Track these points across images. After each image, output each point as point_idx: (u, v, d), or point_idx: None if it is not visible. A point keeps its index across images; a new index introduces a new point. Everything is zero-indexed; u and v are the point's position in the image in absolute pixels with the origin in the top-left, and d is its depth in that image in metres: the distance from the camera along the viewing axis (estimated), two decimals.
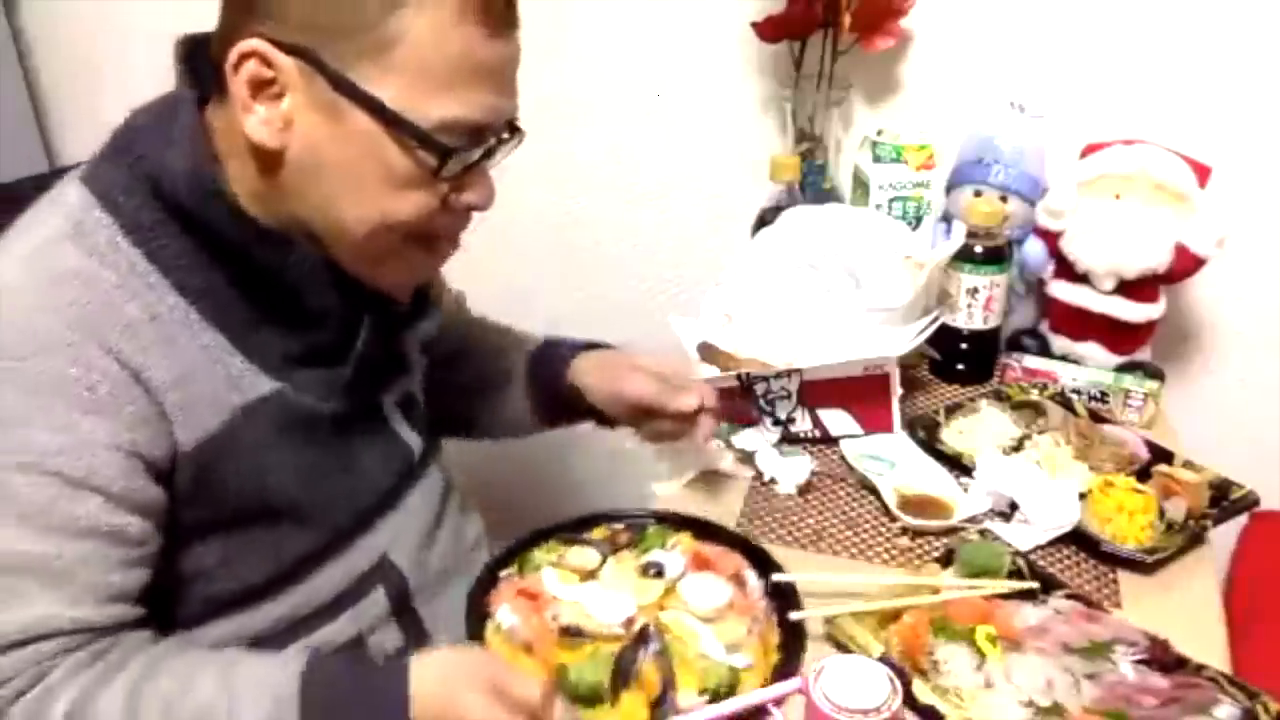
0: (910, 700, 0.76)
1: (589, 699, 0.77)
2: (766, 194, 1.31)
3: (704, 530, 0.96)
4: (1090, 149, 1.26)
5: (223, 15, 0.75)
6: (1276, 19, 1.25)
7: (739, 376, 1.12)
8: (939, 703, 0.76)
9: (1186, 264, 1.20)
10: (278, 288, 0.78)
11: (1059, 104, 1.32)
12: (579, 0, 1.45)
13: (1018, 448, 1.11)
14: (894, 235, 1.22)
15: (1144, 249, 1.19)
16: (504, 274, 1.60)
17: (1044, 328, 1.31)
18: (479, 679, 0.71)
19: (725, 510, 1.05)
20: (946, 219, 1.30)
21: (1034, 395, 1.20)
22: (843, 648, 0.83)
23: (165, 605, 0.77)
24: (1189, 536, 0.97)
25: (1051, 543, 0.98)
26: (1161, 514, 1.00)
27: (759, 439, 1.10)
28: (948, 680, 0.79)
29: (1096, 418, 1.16)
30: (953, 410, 1.19)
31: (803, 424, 1.15)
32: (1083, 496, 1.01)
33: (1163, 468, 1.06)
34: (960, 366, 1.28)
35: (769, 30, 1.33)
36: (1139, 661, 0.80)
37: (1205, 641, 0.85)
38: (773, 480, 1.08)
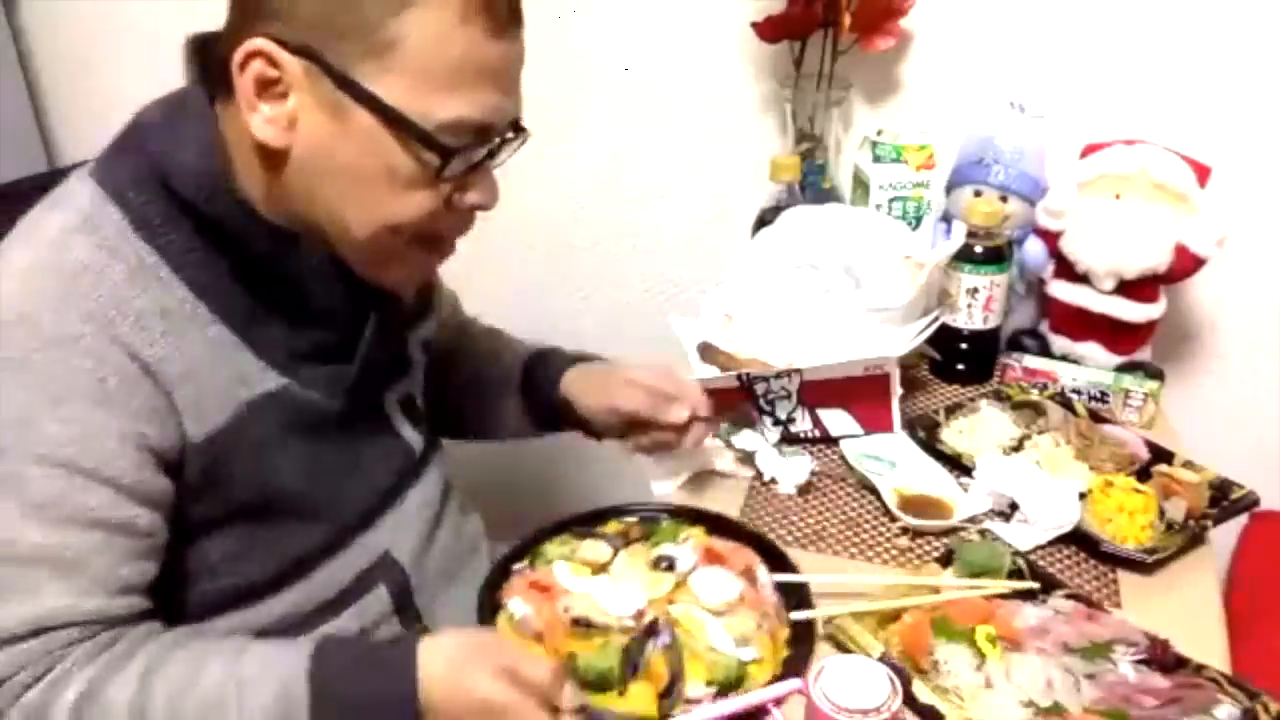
0: (910, 700, 0.76)
1: (597, 686, 0.78)
2: (766, 194, 1.31)
3: (717, 525, 0.96)
4: (1090, 149, 1.26)
5: (230, 15, 0.75)
6: (1276, 19, 1.25)
7: (739, 376, 1.12)
8: (939, 703, 0.76)
9: (1186, 264, 1.20)
10: (284, 284, 0.79)
11: (1059, 104, 1.32)
12: (579, 0, 1.45)
13: (1018, 448, 1.11)
14: (894, 235, 1.22)
15: (1144, 249, 1.19)
16: (504, 274, 1.60)
17: (1044, 328, 1.31)
18: (489, 659, 0.72)
19: (725, 510, 1.04)
20: (946, 219, 1.30)
21: (1034, 395, 1.20)
22: (843, 648, 0.83)
23: (170, 601, 0.77)
24: (1189, 536, 0.97)
25: (1051, 543, 0.98)
26: (1161, 514, 1.00)
27: (759, 439, 1.10)
28: (948, 680, 0.79)
29: (1096, 418, 1.16)
30: (953, 410, 1.19)
31: (803, 424, 1.15)
32: (1083, 496, 1.01)
33: (1163, 468, 1.06)
34: (960, 366, 1.28)
35: (769, 30, 1.33)
36: (1139, 662, 0.80)
37: (1205, 641, 0.85)
38: (773, 480, 1.08)
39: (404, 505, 0.92)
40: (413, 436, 0.95)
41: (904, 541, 1.00)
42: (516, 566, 0.92)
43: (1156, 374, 1.22)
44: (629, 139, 1.53)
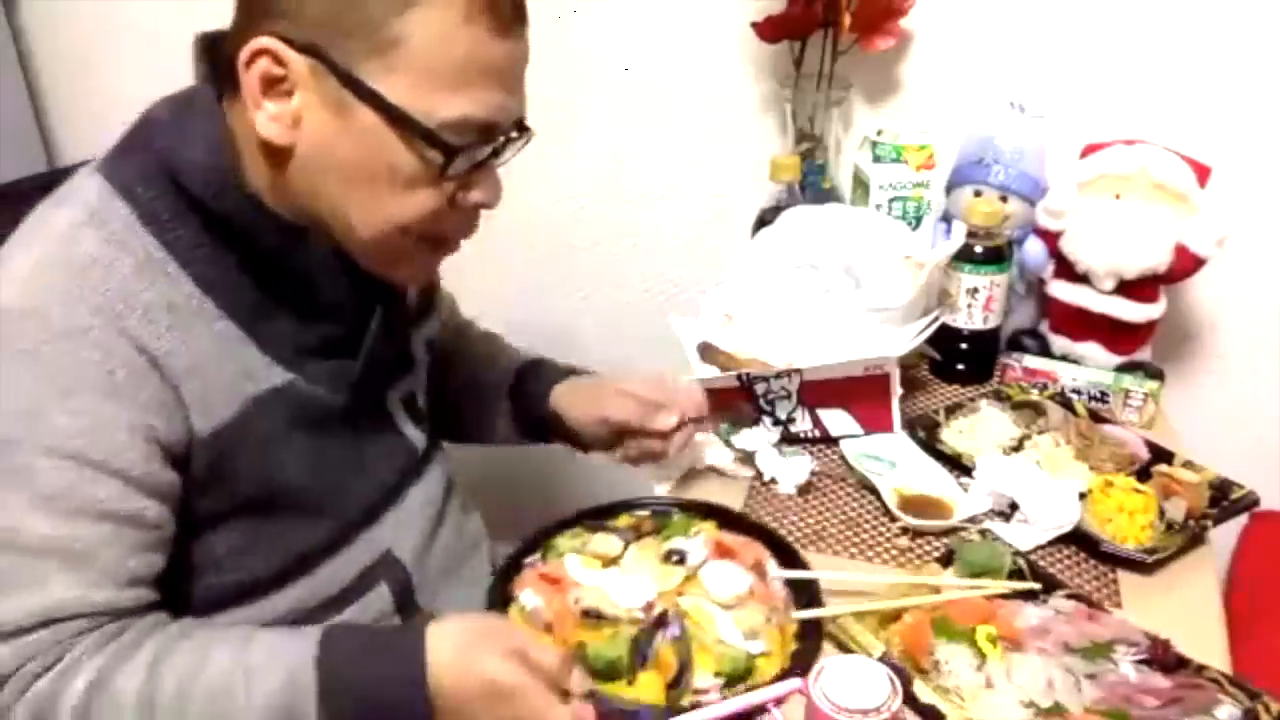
0: (911, 700, 0.76)
1: (606, 675, 0.79)
2: (766, 194, 1.31)
3: (728, 519, 0.97)
4: (1090, 149, 1.26)
5: (237, 14, 0.76)
6: (1276, 19, 1.25)
7: (739, 376, 1.12)
8: (940, 702, 0.76)
9: (1186, 264, 1.20)
10: (291, 278, 0.80)
11: (1059, 104, 1.32)
12: (579, 0, 1.45)
13: (1018, 448, 1.11)
14: (894, 235, 1.22)
15: (1144, 249, 1.19)
16: (504, 274, 1.60)
17: (1044, 328, 1.31)
18: (497, 641, 0.72)
19: None
20: (946, 219, 1.30)
21: (1034, 395, 1.20)
22: (844, 647, 0.83)
23: (175, 595, 0.77)
24: (1189, 536, 0.97)
25: (1052, 543, 0.98)
26: (1161, 514, 1.00)
27: (759, 439, 1.10)
28: (949, 680, 0.79)
29: (1096, 418, 1.16)
30: (953, 410, 1.19)
31: (803, 424, 1.15)
32: (1083, 496, 1.01)
33: (1163, 468, 1.06)
34: (960, 366, 1.28)
35: (769, 30, 1.33)
36: (1140, 662, 0.80)
37: (1205, 641, 0.85)
38: (773, 480, 1.08)
39: (406, 503, 0.92)
40: (415, 435, 0.95)
41: (904, 541, 1.00)
42: (528, 559, 0.93)
43: (1156, 374, 1.22)
44: (629, 139, 1.53)
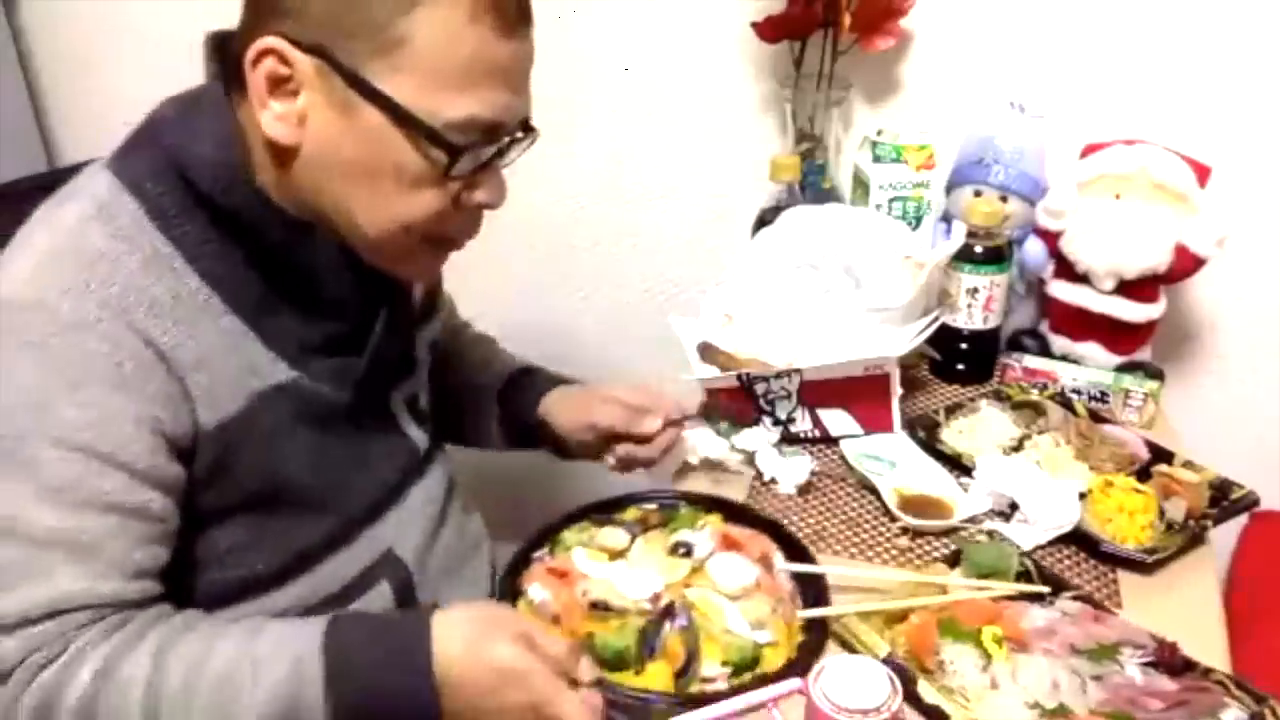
0: (916, 700, 0.76)
1: (614, 665, 0.80)
2: (766, 194, 1.31)
3: (733, 512, 0.98)
4: (1090, 149, 1.26)
5: (244, 14, 0.76)
6: (1276, 19, 1.25)
7: (739, 376, 1.12)
8: (944, 703, 0.76)
9: (1186, 264, 1.20)
10: (296, 275, 0.80)
11: (1059, 104, 1.32)
12: (579, 0, 1.45)
13: (1018, 448, 1.11)
14: (894, 235, 1.22)
15: (1144, 249, 1.19)
16: (504, 274, 1.60)
17: (1044, 328, 1.31)
18: (505, 628, 0.73)
19: None
20: (946, 219, 1.30)
21: (1034, 395, 1.20)
22: (849, 647, 0.83)
23: (177, 592, 0.77)
24: (1189, 536, 0.97)
25: (1052, 543, 0.98)
26: (1161, 514, 1.00)
27: (759, 439, 1.10)
28: (954, 681, 0.79)
29: (1096, 418, 1.16)
30: (953, 410, 1.19)
31: (803, 424, 1.15)
32: (1083, 496, 1.01)
33: (1163, 468, 1.06)
34: (960, 366, 1.28)
35: (769, 30, 1.33)
36: (1146, 664, 0.80)
37: (1205, 642, 0.85)
38: (773, 480, 1.08)
39: (408, 502, 0.93)
40: (418, 435, 0.95)
41: (904, 541, 1.00)
42: (535, 554, 0.93)
43: (1156, 374, 1.22)
44: (629, 139, 1.53)
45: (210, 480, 0.76)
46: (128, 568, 0.71)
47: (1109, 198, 1.22)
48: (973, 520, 1.01)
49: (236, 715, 0.69)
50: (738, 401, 1.13)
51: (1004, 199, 1.28)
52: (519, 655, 0.71)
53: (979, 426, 1.15)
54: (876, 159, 1.32)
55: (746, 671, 0.80)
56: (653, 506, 0.99)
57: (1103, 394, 1.20)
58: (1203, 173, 1.21)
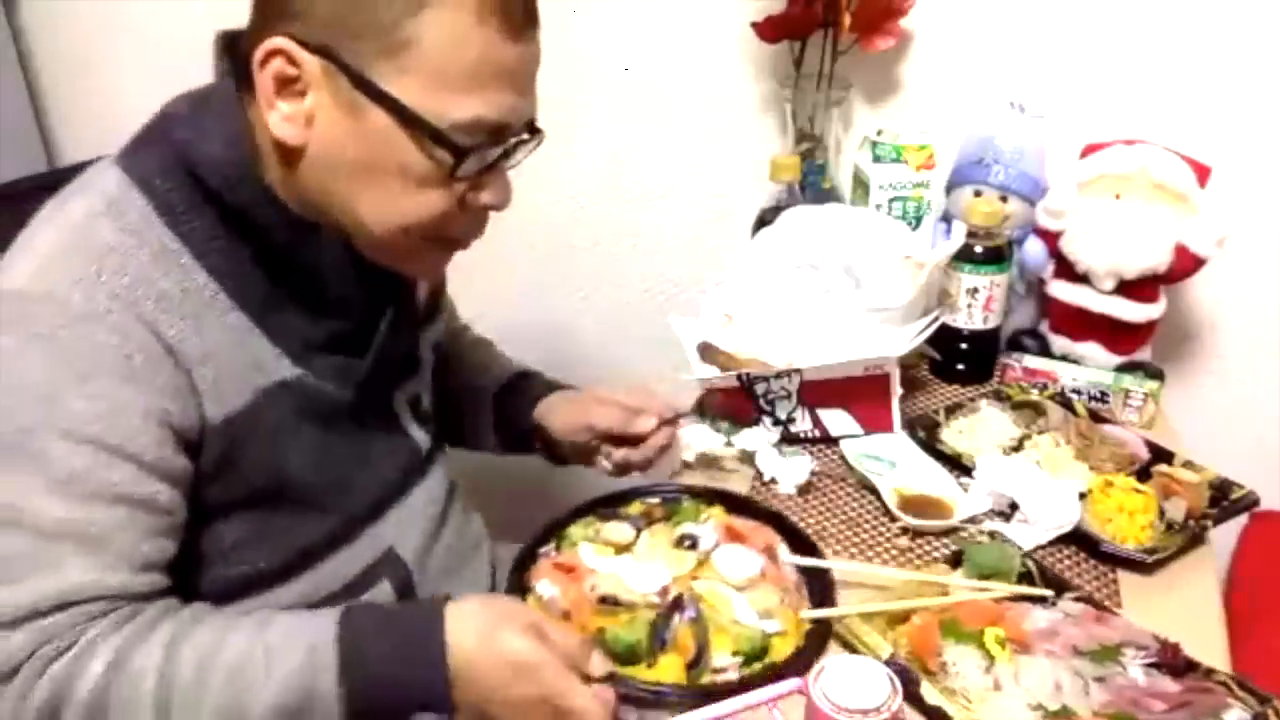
0: (918, 702, 0.76)
1: (626, 659, 0.80)
2: (766, 194, 1.31)
3: (736, 504, 0.99)
4: (1090, 149, 1.26)
5: (252, 15, 0.77)
6: (1276, 19, 1.25)
7: (739, 376, 1.12)
8: (947, 704, 0.76)
9: (1186, 264, 1.20)
10: (302, 273, 0.81)
11: (1059, 104, 1.32)
12: (580, 1, 1.45)
13: (1018, 448, 1.11)
14: (894, 235, 1.22)
15: (1144, 249, 1.19)
16: (505, 274, 1.60)
17: (1044, 328, 1.31)
18: (517, 619, 0.73)
19: None
20: (946, 219, 1.30)
21: (1034, 395, 1.20)
22: (851, 648, 0.83)
23: (181, 588, 0.77)
24: (1189, 536, 0.97)
25: (1052, 543, 0.98)
26: (1161, 514, 1.00)
27: (759, 439, 1.10)
28: (956, 682, 0.79)
29: (1096, 418, 1.16)
30: (953, 410, 1.19)
31: (803, 424, 1.15)
32: (1083, 496, 1.01)
33: (1163, 468, 1.06)
34: (960, 366, 1.28)
35: (769, 30, 1.33)
36: (1149, 665, 0.80)
37: (1205, 642, 0.85)
38: (773, 480, 1.08)
39: (410, 502, 0.93)
40: (420, 436, 0.96)
41: (904, 541, 1.00)
42: (542, 550, 0.94)
43: (1156, 374, 1.22)
44: (629, 139, 1.53)
45: (216, 474, 0.77)
46: (136, 560, 0.71)
47: (1109, 198, 1.22)
48: (973, 520, 1.01)
49: (249, 705, 0.69)
50: (738, 401, 1.13)
51: (1004, 199, 1.28)
52: (531, 647, 0.71)
53: (979, 426, 1.15)
54: (876, 159, 1.32)
55: (757, 661, 0.81)
56: (655, 500, 1.00)
57: (1103, 394, 1.20)
58: (1203, 173, 1.21)
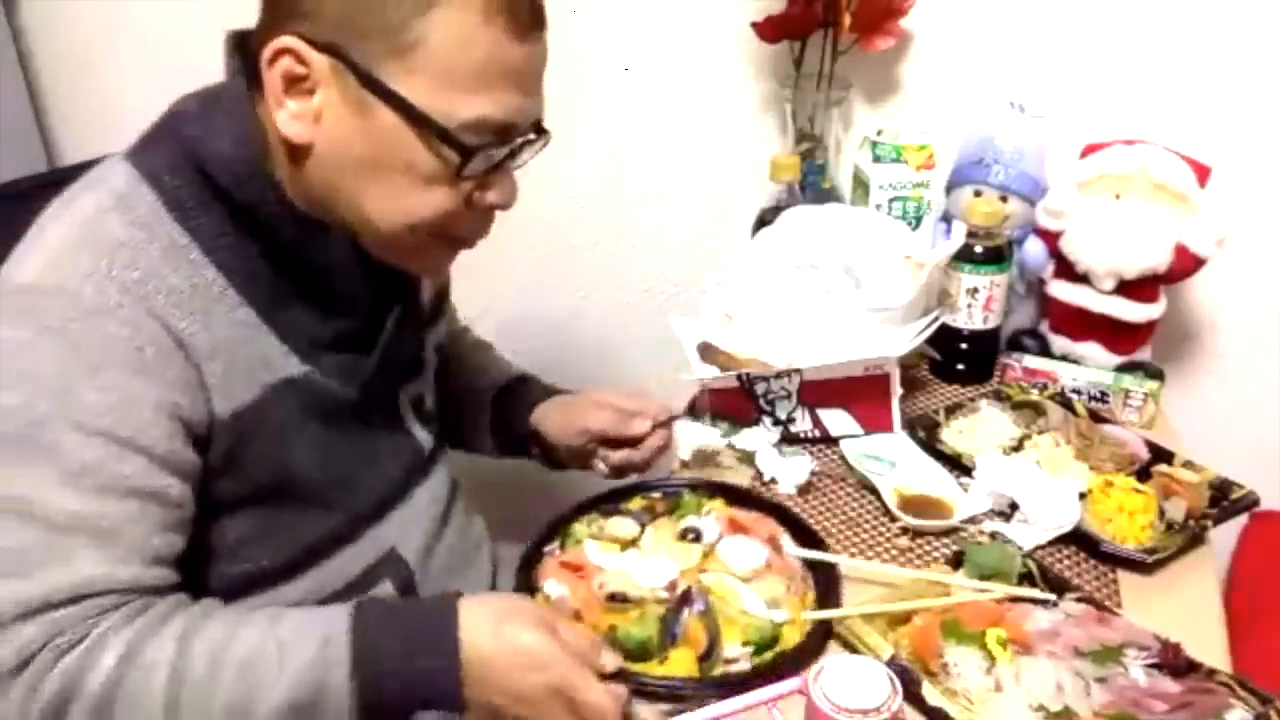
0: (919, 703, 0.76)
1: (638, 655, 0.81)
2: (766, 194, 1.31)
3: (736, 497, 1.00)
4: (1090, 149, 1.26)
5: (261, 14, 0.77)
6: (1276, 19, 1.25)
7: (739, 376, 1.12)
8: (948, 705, 0.76)
9: (1186, 264, 1.20)
10: (310, 270, 0.81)
11: (1059, 104, 1.32)
12: (579, 0, 1.45)
13: (1018, 448, 1.11)
14: (894, 235, 1.22)
15: (1144, 249, 1.19)
16: (505, 274, 1.60)
17: (1044, 328, 1.31)
18: (529, 614, 0.74)
19: None
20: (946, 219, 1.30)
21: (1034, 395, 1.20)
22: (851, 648, 0.83)
23: (186, 585, 0.77)
24: (1189, 536, 0.97)
25: (1051, 543, 0.98)
26: (1161, 514, 1.00)
27: (759, 439, 1.10)
28: (957, 683, 0.79)
29: (1096, 418, 1.16)
30: (953, 410, 1.19)
31: (803, 424, 1.15)
32: (1083, 496, 1.01)
33: (1163, 468, 1.06)
34: (960, 366, 1.28)
35: (769, 30, 1.33)
36: (1150, 666, 0.80)
37: (1205, 642, 0.85)
38: (773, 480, 1.08)
39: (413, 502, 0.93)
40: (423, 436, 0.96)
41: (904, 541, 0.99)
42: (547, 548, 0.94)
43: (1156, 374, 1.22)
44: (629, 139, 1.53)
45: (223, 470, 0.77)
46: (147, 553, 0.71)
47: (1109, 198, 1.22)
48: (973, 520, 1.01)
49: (260, 700, 0.69)
50: (738, 401, 1.13)
51: (1004, 199, 1.28)
52: (544, 641, 0.72)
53: (979, 426, 1.15)
54: (876, 159, 1.31)
55: (767, 650, 0.82)
56: (657, 495, 1.01)
57: (1103, 394, 1.20)
58: (1203, 173, 1.21)
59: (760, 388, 1.12)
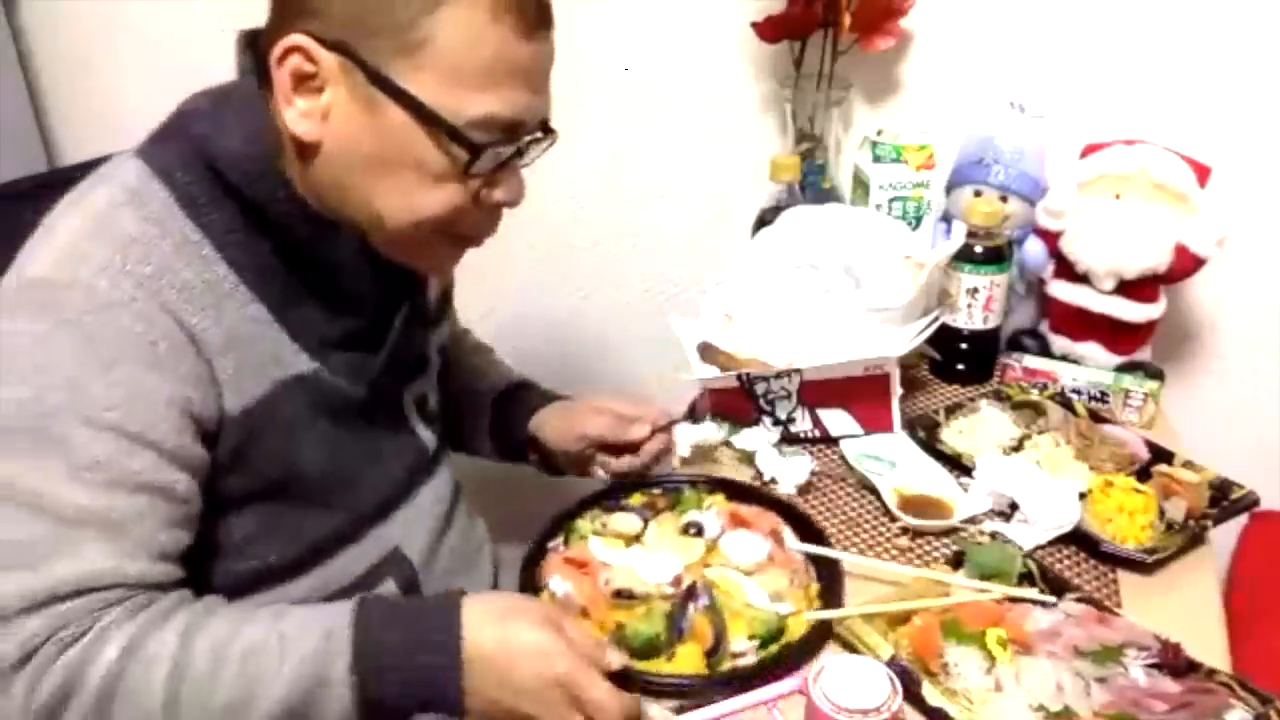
0: (919, 703, 0.76)
1: (645, 652, 0.81)
2: (766, 194, 1.31)
3: (737, 491, 1.01)
4: (1090, 149, 1.26)
5: (270, 14, 0.78)
6: (1276, 19, 1.25)
7: (739, 376, 1.12)
8: (948, 705, 0.76)
9: (1186, 264, 1.20)
10: (320, 268, 0.81)
11: (1059, 104, 1.32)
12: (580, 1, 1.45)
13: (1018, 448, 1.11)
14: (894, 235, 1.22)
15: (1144, 249, 1.19)
16: (505, 274, 1.60)
17: (1044, 328, 1.31)
18: (533, 611, 0.75)
19: None
20: (946, 219, 1.30)
21: (1034, 395, 1.20)
22: (851, 648, 0.83)
23: (191, 582, 0.77)
24: (1189, 536, 0.97)
25: (1051, 543, 0.98)
26: (1161, 514, 1.00)
27: (759, 439, 1.10)
28: (957, 683, 0.79)
29: (1096, 418, 1.16)
30: (953, 410, 1.19)
31: (803, 424, 1.15)
32: (1083, 496, 1.01)
33: (1163, 468, 1.06)
34: (960, 366, 1.28)
35: (769, 30, 1.33)
36: (1150, 666, 0.80)
37: (1205, 642, 0.85)
38: (773, 480, 1.08)
39: (416, 501, 0.94)
40: (427, 436, 0.97)
41: (904, 541, 0.99)
42: (550, 544, 0.94)
43: (1156, 374, 1.22)
44: (629, 139, 1.53)
45: (231, 466, 0.77)
46: (154, 549, 0.71)
47: (1109, 198, 1.22)
48: (973, 520, 1.01)
49: (260, 696, 0.69)
50: (738, 401, 1.13)
51: (1004, 199, 1.28)
52: (549, 637, 0.72)
53: (979, 426, 1.15)
54: (876, 159, 1.32)
55: (773, 643, 0.83)
56: (658, 491, 1.01)
57: (1103, 394, 1.20)
58: (1203, 173, 1.21)
59: (760, 388, 1.12)
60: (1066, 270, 1.25)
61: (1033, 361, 1.25)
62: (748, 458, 1.10)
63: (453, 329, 1.17)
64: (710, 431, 1.10)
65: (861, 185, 1.34)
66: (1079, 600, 0.87)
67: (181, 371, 0.73)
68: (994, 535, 0.99)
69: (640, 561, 0.89)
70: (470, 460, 1.14)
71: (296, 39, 0.73)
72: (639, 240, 1.60)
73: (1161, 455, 1.09)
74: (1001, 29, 1.34)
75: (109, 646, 0.67)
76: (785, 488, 1.07)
